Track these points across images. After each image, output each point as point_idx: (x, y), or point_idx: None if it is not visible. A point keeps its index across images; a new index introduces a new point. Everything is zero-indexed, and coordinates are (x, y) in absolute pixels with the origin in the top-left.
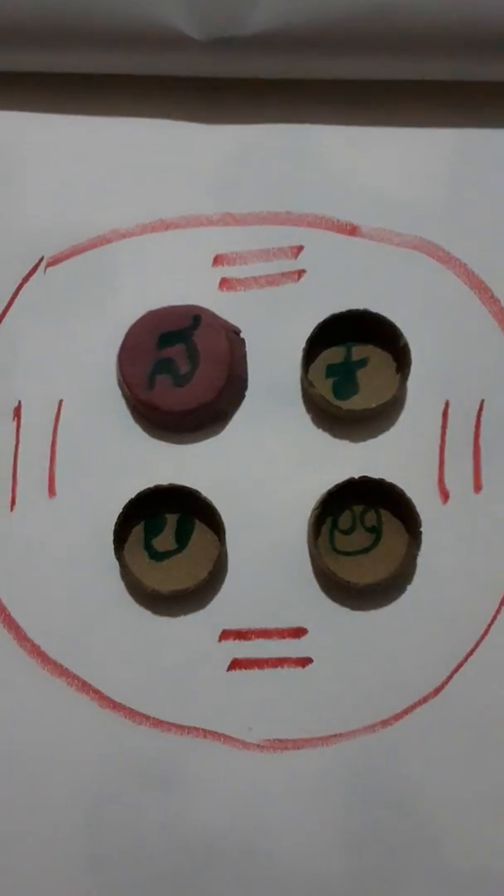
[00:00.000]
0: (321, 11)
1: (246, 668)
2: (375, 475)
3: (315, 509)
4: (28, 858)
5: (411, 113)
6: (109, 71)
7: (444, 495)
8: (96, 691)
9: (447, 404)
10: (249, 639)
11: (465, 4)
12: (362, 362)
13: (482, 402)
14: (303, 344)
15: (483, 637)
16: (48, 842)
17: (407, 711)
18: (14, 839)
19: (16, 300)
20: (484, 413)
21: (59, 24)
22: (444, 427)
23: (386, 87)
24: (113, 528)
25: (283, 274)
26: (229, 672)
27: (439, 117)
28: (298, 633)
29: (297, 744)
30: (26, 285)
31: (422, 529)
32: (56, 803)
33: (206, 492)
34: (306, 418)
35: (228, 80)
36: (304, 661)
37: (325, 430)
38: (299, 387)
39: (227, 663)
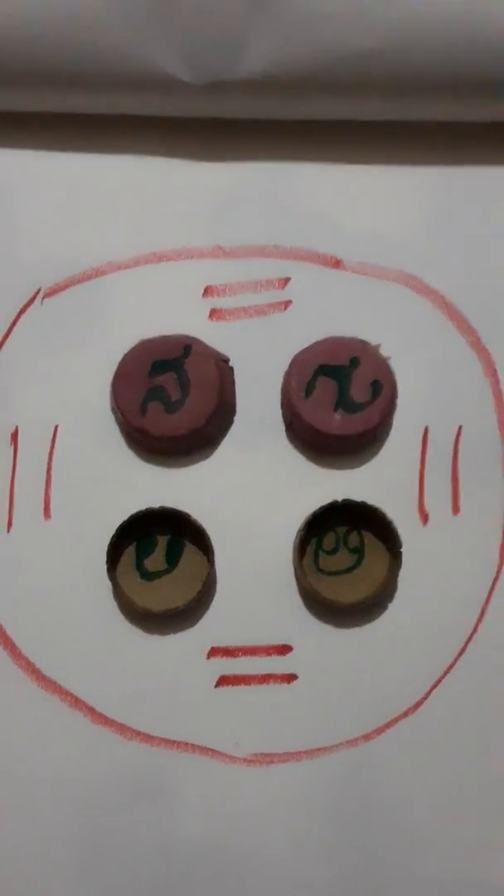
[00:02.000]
0: (308, 57)
1: (233, 685)
2: (358, 498)
3: (300, 531)
4: (19, 872)
5: (393, 152)
6: (105, 111)
7: (424, 517)
8: (89, 707)
9: (426, 430)
10: (236, 656)
11: (449, 50)
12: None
13: (459, 427)
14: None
15: (461, 653)
16: (40, 855)
17: (388, 726)
18: (5, 853)
19: (14, 329)
20: (462, 438)
21: (57, 67)
22: (423, 452)
23: (370, 128)
24: (106, 549)
25: (270, 304)
26: (217, 688)
27: (420, 157)
28: (284, 650)
29: (283, 758)
30: (24, 315)
31: (402, 550)
32: (48, 816)
33: (196, 514)
34: (292, 444)
35: (220, 120)
36: (290, 678)
37: (309, 456)
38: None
39: (215, 680)
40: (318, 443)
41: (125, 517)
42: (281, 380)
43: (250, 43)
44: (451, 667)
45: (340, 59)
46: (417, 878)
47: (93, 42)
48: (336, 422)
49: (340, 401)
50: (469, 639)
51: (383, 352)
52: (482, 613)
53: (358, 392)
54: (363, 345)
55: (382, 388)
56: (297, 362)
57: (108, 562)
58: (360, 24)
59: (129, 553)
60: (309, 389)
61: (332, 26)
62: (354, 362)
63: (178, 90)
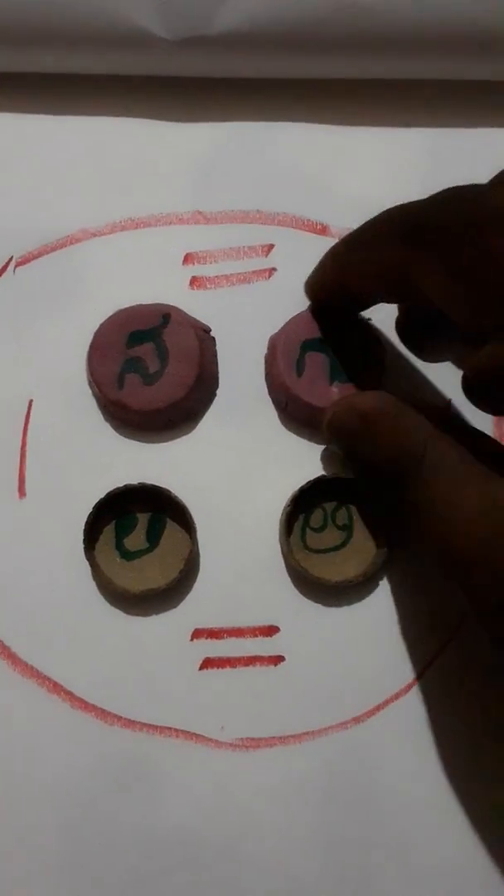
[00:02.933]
0: (288, 10)
1: (218, 667)
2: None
3: (286, 507)
4: (4, 861)
5: (380, 113)
6: (78, 71)
7: None
8: (68, 692)
9: None
10: (221, 637)
11: (439, 4)
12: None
13: (449, 401)
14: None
15: (455, 631)
16: (24, 844)
17: (379, 708)
18: None
19: None
20: (452, 412)
21: (28, 25)
22: None
23: (356, 86)
24: (83, 527)
25: (254, 272)
26: (201, 671)
27: (408, 117)
28: (270, 631)
29: (270, 742)
30: None
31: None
32: (30, 805)
33: (178, 491)
34: (277, 417)
35: (199, 79)
36: (277, 660)
37: (307, 434)
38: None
39: (200, 662)
40: (318, 420)
41: (103, 494)
42: (265, 350)
43: None
44: (443, 647)
45: (327, 11)
46: (409, 864)
47: None
48: (335, 395)
49: (334, 372)
50: (462, 617)
51: (363, 314)
52: None
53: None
54: None
55: (373, 350)
56: (280, 342)
57: (85, 541)
58: None
59: (108, 532)
60: (299, 368)
61: None
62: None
63: (154, 46)
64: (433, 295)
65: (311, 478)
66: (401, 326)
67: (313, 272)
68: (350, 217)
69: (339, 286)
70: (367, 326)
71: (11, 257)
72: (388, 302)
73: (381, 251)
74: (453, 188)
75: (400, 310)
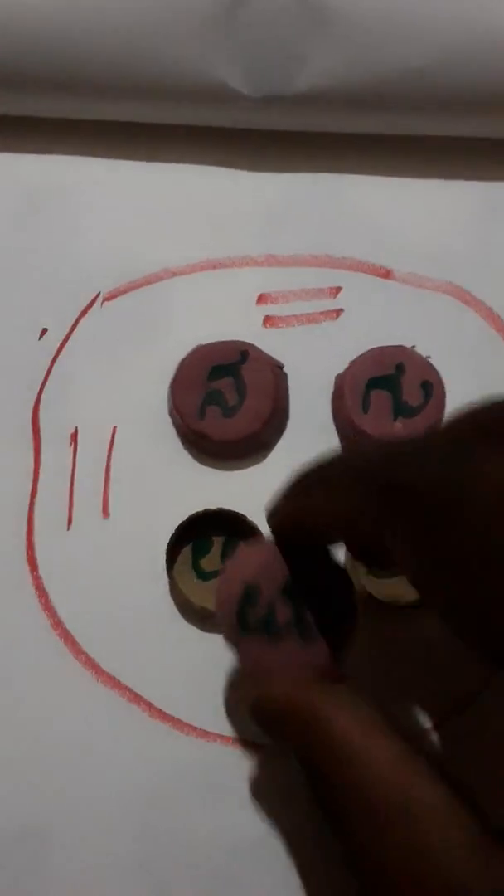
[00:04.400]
0: (365, 73)
1: None
2: None
3: None
4: (81, 865)
5: (441, 166)
6: (167, 121)
7: None
8: (147, 702)
9: None
10: None
11: (493, 69)
12: None
13: None
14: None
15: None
16: (101, 848)
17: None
18: (69, 846)
19: (74, 332)
20: None
21: (119, 77)
22: None
23: (418, 142)
24: (165, 548)
25: (322, 312)
26: None
27: (466, 171)
28: None
29: None
30: (84, 318)
31: None
32: (108, 810)
33: (251, 515)
34: (340, 447)
35: (275, 131)
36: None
37: None
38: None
39: None
40: None
41: (181, 517)
42: (332, 386)
43: (309, 58)
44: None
45: (396, 76)
46: None
47: (156, 53)
48: (399, 430)
49: (397, 408)
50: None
51: (421, 352)
52: None
53: (411, 396)
54: (403, 349)
55: (433, 387)
56: (347, 381)
57: (166, 561)
58: (416, 42)
59: (186, 553)
60: (365, 405)
61: (390, 44)
62: (400, 368)
63: (236, 102)
64: (404, 568)
65: None
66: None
67: (272, 501)
68: (411, 263)
69: (295, 523)
70: (337, 569)
71: (99, 293)
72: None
73: (348, 501)
74: (445, 454)
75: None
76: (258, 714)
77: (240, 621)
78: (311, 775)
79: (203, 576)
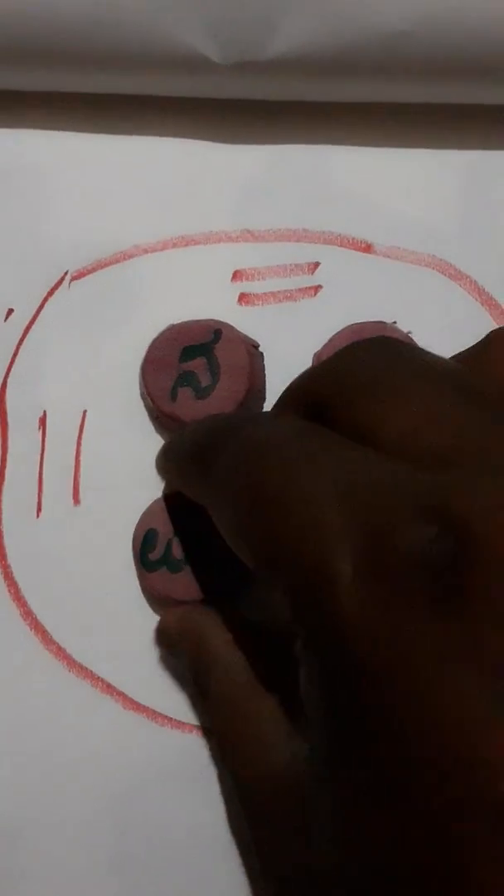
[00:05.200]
0: (337, 37)
1: None
2: None
3: None
4: (54, 859)
5: (423, 135)
6: (133, 92)
7: None
8: (120, 693)
9: None
10: None
11: (484, 32)
12: None
13: None
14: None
15: None
16: (74, 841)
17: None
18: (41, 839)
19: (41, 313)
20: None
21: (86, 47)
22: None
23: (399, 110)
24: (135, 535)
25: (300, 289)
26: None
27: (450, 140)
28: None
29: None
30: (51, 299)
31: None
32: (82, 802)
33: None
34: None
35: (249, 101)
36: None
37: None
38: None
39: None
40: None
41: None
42: (310, 364)
43: (281, 22)
44: None
45: (373, 41)
46: None
47: (120, 20)
48: None
49: None
50: None
51: (402, 328)
52: None
53: None
54: (383, 325)
55: None
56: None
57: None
58: (394, 4)
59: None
60: None
61: (366, 6)
62: None
63: (206, 70)
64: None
65: None
66: None
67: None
68: (393, 236)
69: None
70: None
71: (67, 272)
72: None
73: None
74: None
75: None
76: (159, 636)
77: (143, 560)
78: (197, 686)
79: (172, 566)
